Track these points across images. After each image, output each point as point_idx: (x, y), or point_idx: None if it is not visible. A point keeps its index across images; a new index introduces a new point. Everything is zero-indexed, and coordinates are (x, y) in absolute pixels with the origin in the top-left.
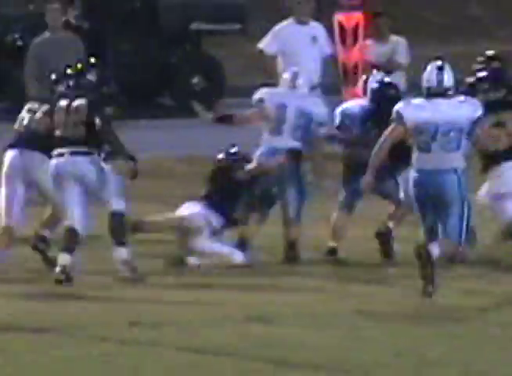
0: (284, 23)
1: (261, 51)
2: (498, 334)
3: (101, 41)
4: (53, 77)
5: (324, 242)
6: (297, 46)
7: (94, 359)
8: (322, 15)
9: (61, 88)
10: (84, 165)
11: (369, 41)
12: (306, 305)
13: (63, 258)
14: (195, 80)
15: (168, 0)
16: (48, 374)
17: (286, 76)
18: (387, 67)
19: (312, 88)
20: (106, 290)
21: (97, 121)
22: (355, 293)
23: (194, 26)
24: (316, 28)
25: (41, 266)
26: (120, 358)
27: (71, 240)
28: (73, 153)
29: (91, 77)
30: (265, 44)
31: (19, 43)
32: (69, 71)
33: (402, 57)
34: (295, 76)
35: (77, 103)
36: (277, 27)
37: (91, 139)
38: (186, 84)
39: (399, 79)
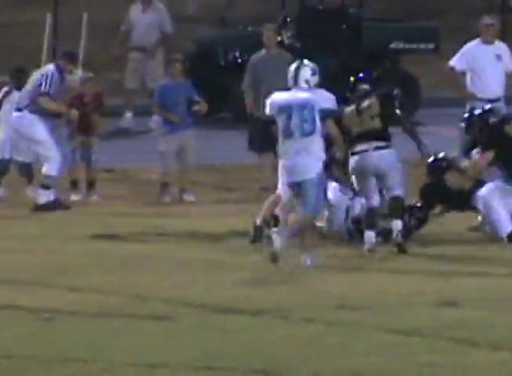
0: (472, 43)
1: (452, 68)
2: None
3: (311, 58)
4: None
5: None
6: (483, 64)
7: (304, 338)
8: (507, 35)
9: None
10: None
11: None
12: (493, 290)
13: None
14: (395, 92)
15: (371, 23)
16: (265, 352)
17: None
18: None
19: (496, 100)
20: (309, 277)
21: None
22: None
23: (393, 45)
24: (501, 48)
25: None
26: (329, 337)
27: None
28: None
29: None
30: (456, 61)
31: (240, 60)
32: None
33: None
34: None
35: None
36: (466, 47)
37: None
38: None
39: None
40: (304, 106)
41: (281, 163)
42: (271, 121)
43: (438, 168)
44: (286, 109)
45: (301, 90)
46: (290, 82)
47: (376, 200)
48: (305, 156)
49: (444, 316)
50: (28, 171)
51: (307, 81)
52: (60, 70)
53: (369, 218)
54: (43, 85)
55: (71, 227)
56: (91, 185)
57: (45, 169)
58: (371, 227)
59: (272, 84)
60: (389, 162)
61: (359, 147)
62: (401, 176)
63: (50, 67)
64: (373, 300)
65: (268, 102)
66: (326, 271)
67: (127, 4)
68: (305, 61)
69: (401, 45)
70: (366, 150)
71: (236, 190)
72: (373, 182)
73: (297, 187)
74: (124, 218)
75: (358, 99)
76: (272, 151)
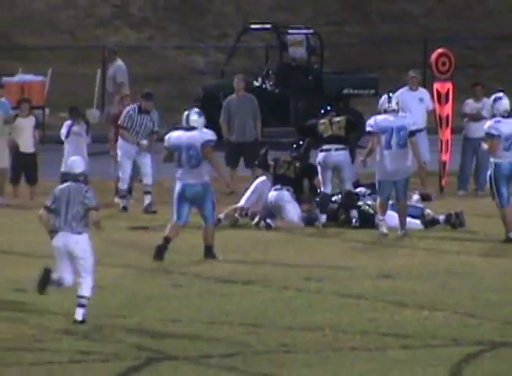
0: (401, 89)
1: None
2: None
3: (287, 100)
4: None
5: None
6: (409, 105)
7: (281, 300)
8: (427, 83)
9: None
10: None
11: (469, 100)
12: (418, 266)
13: None
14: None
15: (329, 75)
16: (253, 311)
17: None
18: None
19: (420, 130)
20: (285, 256)
21: None
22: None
23: (345, 91)
24: (423, 92)
25: None
26: (299, 300)
27: None
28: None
29: None
30: None
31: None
32: None
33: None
34: None
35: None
36: (397, 92)
37: None
38: None
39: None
40: (192, 144)
41: (178, 185)
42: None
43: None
44: (178, 146)
45: (191, 130)
46: (184, 123)
47: (329, 189)
48: (197, 179)
49: (382, 285)
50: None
51: (196, 123)
52: (140, 109)
53: (324, 202)
54: (120, 120)
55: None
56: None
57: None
58: (324, 211)
59: (241, 118)
60: (344, 161)
61: (325, 147)
62: (352, 173)
63: (131, 106)
64: (330, 273)
65: (166, 137)
66: (299, 250)
67: (151, 58)
68: (194, 109)
69: (350, 91)
70: (329, 150)
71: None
72: (329, 175)
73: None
74: (152, 215)
75: (330, 116)
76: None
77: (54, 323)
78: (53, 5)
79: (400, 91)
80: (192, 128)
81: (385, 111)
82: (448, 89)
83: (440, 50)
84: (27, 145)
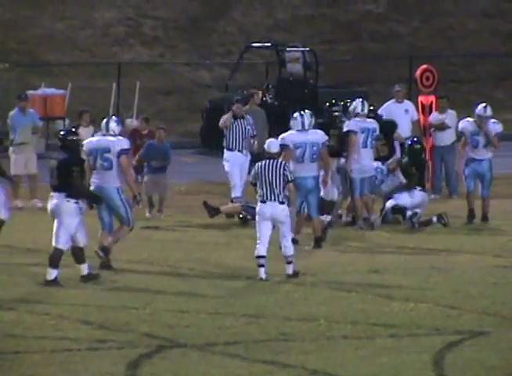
0: (388, 102)
1: None
2: None
3: (285, 112)
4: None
5: None
6: (396, 116)
7: (280, 293)
8: (412, 96)
9: None
10: None
11: (434, 113)
12: (405, 262)
13: None
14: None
15: (323, 89)
16: (254, 303)
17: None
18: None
19: (406, 138)
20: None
21: None
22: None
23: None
24: (408, 104)
25: None
26: (296, 293)
27: None
28: None
29: None
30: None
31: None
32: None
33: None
34: None
35: None
36: (384, 105)
37: None
38: None
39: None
40: (106, 149)
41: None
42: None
43: None
44: (93, 151)
45: (108, 136)
46: (103, 130)
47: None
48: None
49: (371, 279)
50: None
51: (113, 131)
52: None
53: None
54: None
55: None
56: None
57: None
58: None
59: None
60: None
61: None
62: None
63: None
64: (324, 268)
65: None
66: (296, 248)
67: (162, 74)
68: (113, 117)
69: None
70: None
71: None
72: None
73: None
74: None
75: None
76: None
77: (73, 313)
78: (73, 25)
79: (387, 103)
80: (110, 135)
81: (356, 115)
82: (432, 102)
83: (424, 66)
84: None
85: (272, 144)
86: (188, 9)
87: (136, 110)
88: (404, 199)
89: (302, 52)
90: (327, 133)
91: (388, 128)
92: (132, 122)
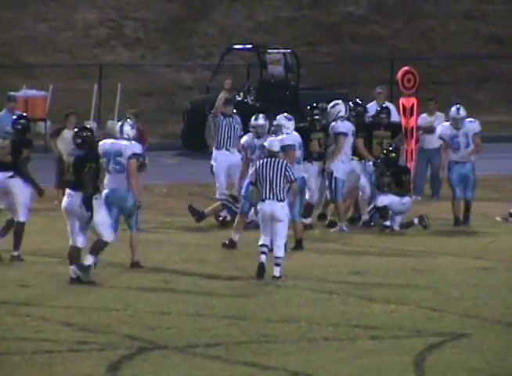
0: (370, 103)
1: None
2: None
3: (266, 114)
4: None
5: None
6: None
7: (261, 295)
8: (393, 98)
9: None
10: None
11: (423, 115)
12: (386, 264)
13: None
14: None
15: (304, 91)
16: (236, 304)
17: None
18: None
19: None
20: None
21: None
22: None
23: (319, 105)
24: (389, 106)
25: None
26: (277, 295)
27: None
28: None
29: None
30: None
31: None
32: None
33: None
34: None
35: None
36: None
37: None
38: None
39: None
40: (119, 152)
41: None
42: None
43: None
44: (107, 154)
45: (121, 139)
46: (118, 133)
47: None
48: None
49: (352, 281)
50: None
51: (127, 134)
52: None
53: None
54: None
55: None
56: None
57: None
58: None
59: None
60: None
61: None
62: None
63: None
64: (305, 270)
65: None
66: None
67: (143, 75)
68: (128, 120)
69: (324, 105)
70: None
71: None
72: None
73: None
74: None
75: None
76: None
77: (54, 315)
78: (54, 27)
79: (369, 105)
80: (124, 139)
81: (339, 118)
82: (413, 104)
83: (405, 68)
84: None
85: (273, 143)
86: (169, 11)
87: (117, 111)
88: (388, 199)
89: (283, 53)
90: (307, 137)
91: (395, 132)
92: (113, 124)
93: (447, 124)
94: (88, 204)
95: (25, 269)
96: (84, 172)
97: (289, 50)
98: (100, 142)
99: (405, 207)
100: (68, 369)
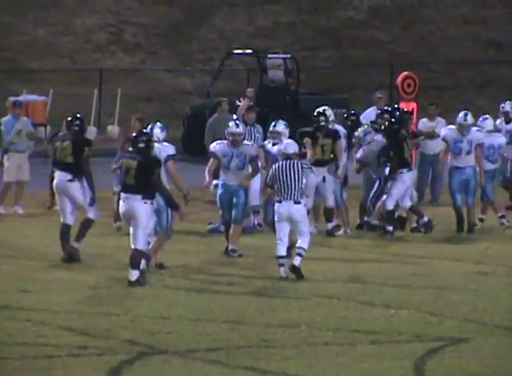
0: (370, 109)
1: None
2: None
3: (266, 118)
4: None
5: None
6: None
7: (261, 300)
8: (393, 103)
9: None
10: None
11: (423, 119)
12: (386, 271)
13: None
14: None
15: (304, 96)
16: (235, 308)
17: None
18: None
19: None
20: (264, 260)
21: None
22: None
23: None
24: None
25: None
26: (277, 299)
27: None
28: None
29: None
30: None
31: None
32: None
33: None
34: None
35: None
36: (366, 112)
37: None
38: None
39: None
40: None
41: None
42: None
43: None
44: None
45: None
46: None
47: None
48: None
49: (352, 286)
50: None
51: (158, 137)
52: None
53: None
54: None
55: None
56: None
57: None
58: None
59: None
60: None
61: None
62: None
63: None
64: (305, 275)
65: None
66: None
67: (143, 80)
68: (157, 123)
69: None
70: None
71: None
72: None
73: None
74: None
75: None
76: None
77: (54, 320)
78: (54, 32)
79: (368, 110)
80: (155, 141)
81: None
82: (413, 108)
83: (405, 73)
84: None
85: (288, 145)
86: (169, 16)
87: (118, 116)
88: (396, 195)
89: (283, 58)
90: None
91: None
92: (113, 129)
93: (453, 127)
94: (172, 204)
95: (24, 275)
96: (153, 177)
97: (289, 55)
98: None
99: (407, 184)
100: (68, 374)
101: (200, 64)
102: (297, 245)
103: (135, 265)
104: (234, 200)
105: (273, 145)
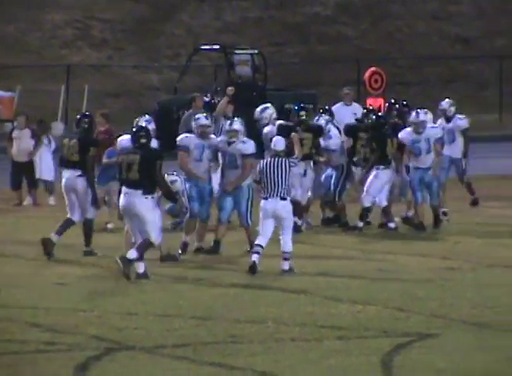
0: (337, 104)
1: None
2: None
3: (233, 114)
4: None
5: None
6: (344, 118)
7: (229, 296)
8: (360, 99)
9: None
10: None
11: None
12: (353, 266)
13: None
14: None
15: (272, 91)
16: (204, 305)
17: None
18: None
19: None
20: (235, 258)
21: None
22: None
23: (286, 106)
24: (356, 107)
25: None
26: (245, 295)
27: None
28: None
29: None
30: None
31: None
32: None
33: None
34: None
35: None
36: (333, 107)
37: None
38: None
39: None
40: None
41: None
42: None
43: None
44: (124, 149)
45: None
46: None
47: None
48: None
49: (319, 282)
50: None
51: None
52: None
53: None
54: None
55: None
56: None
57: None
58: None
59: None
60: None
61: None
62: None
63: None
64: (273, 271)
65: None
66: (245, 251)
67: (111, 76)
68: (146, 116)
69: (291, 106)
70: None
71: None
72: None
73: None
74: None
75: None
76: None
77: (21, 316)
78: (22, 28)
79: (336, 105)
80: None
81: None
82: (380, 104)
83: (373, 69)
84: (22, 154)
85: (277, 142)
86: (135, 12)
87: (84, 111)
88: (373, 192)
89: (251, 54)
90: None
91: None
92: (57, 125)
93: (409, 129)
94: (171, 197)
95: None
96: (156, 171)
97: (256, 51)
98: (119, 138)
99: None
100: (35, 370)
101: (167, 60)
102: (281, 250)
103: (139, 250)
104: (203, 195)
105: (229, 144)
